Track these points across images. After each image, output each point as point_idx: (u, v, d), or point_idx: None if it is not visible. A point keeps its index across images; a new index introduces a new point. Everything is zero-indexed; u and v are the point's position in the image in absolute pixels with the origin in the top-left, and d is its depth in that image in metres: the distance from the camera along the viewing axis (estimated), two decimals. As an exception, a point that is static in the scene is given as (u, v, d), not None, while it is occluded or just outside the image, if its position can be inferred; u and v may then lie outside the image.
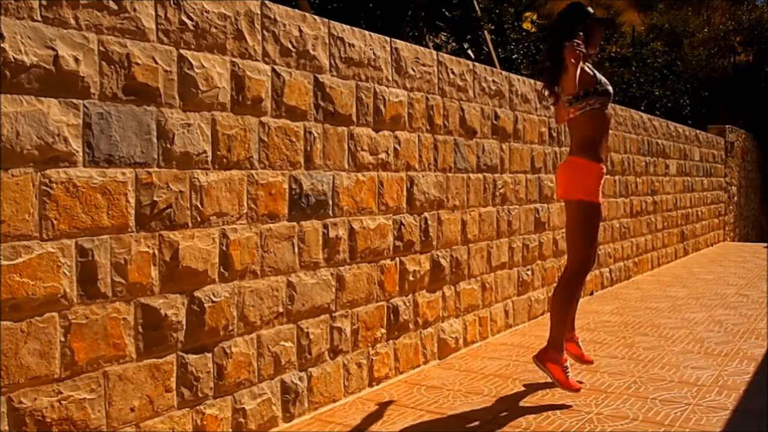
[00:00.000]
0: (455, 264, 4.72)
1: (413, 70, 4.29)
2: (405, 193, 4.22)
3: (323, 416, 3.54)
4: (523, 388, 3.95)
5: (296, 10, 3.50)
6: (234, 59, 3.12)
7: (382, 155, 4.03)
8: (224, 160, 3.08)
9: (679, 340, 5.01)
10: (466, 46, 8.60)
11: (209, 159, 3.02)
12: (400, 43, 4.20)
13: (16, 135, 2.32)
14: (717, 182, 12.44)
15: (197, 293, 2.97)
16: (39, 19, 2.38)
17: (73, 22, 2.48)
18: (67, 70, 2.47)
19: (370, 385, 3.96)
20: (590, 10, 3.85)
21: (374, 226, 3.96)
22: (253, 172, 3.22)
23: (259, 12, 3.25)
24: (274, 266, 3.34)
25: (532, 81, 5.80)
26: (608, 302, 6.57)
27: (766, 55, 19.28)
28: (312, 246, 3.55)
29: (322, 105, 3.61)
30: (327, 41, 3.64)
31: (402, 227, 4.19)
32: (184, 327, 2.91)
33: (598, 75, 3.81)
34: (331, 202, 3.66)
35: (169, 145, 2.84)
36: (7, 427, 2.31)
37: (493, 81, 5.20)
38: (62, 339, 2.47)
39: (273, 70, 3.33)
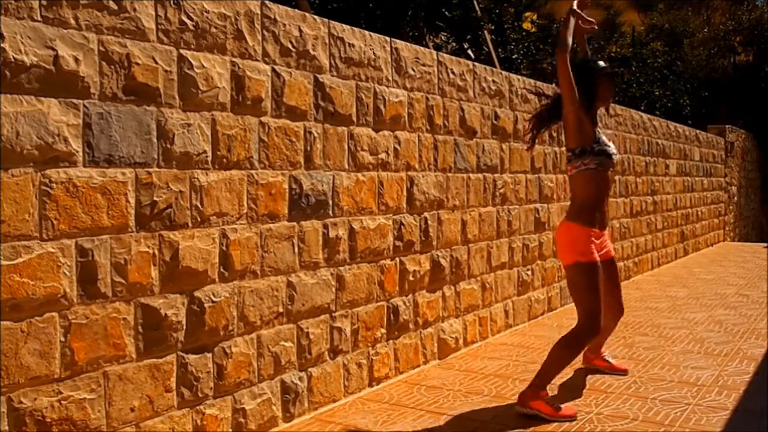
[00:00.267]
0: (455, 264, 4.72)
1: (413, 70, 4.29)
2: (405, 193, 4.22)
3: (323, 416, 3.54)
4: (523, 388, 3.94)
5: (296, 10, 3.50)
6: (234, 59, 3.12)
7: (382, 155, 4.03)
8: (224, 160, 3.08)
9: (679, 340, 5.01)
10: (466, 46, 8.61)
11: (209, 159, 3.02)
12: (400, 43, 4.20)
13: (16, 135, 2.32)
14: (717, 182, 12.44)
15: (197, 293, 2.97)
16: (39, 19, 2.38)
17: (73, 22, 2.48)
18: (67, 70, 2.47)
19: (370, 385, 3.96)
20: (601, 64, 3.73)
21: (374, 226, 3.96)
22: (253, 172, 3.22)
23: (259, 12, 3.25)
24: (274, 266, 3.34)
25: (532, 81, 5.80)
26: (608, 302, 6.57)
27: (766, 55, 19.28)
28: (312, 246, 3.55)
29: (322, 105, 3.61)
30: (327, 41, 3.64)
31: (402, 227, 4.19)
32: (184, 327, 2.91)
33: (602, 136, 3.70)
34: (331, 202, 3.66)
35: (169, 145, 2.84)
36: (7, 427, 2.31)
37: (493, 81, 5.20)
38: (62, 339, 2.47)
39: (273, 70, 3.33)
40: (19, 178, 2.34)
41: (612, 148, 3.73)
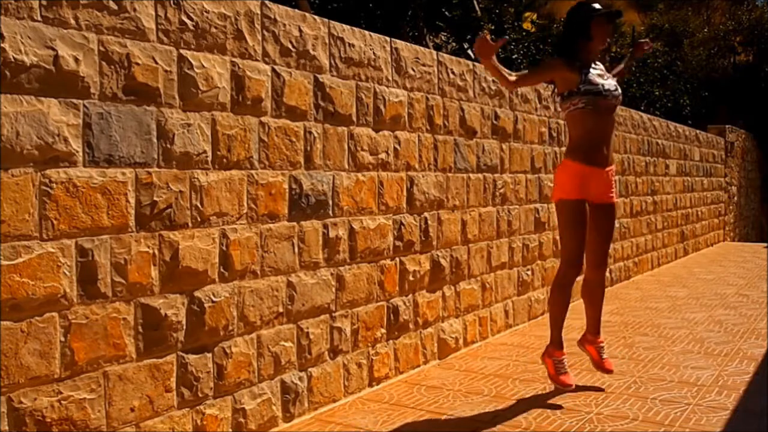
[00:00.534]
0: (455, 264, 4.72)
1: (413, 70, 4.29)
2: (405, 193, 4.22)
3: (323, 416, 3.54)
4: (523, 388, 3.95)
5: (296, 10, 3.50)
6: (234, 59, 3.12)
7: (382, 155, 4.03)
8: (224, 160, 3.08)
9: (679, 340, 5.01)
10: (466, 46, 8.60)
11: (209, 159, 3.02)
12: (400, 43, 4.20)
13: (16, 135, 2.32)
14: (717, 182, 12.44)
15: (197, 293, 2.97)
16: (39, 19, 2.38)
17: (73, 22, 2.48)
18: (67, 70, 2.47)
19: (370, 385, 3.96)
20: (596, 6, 3.78)
21: (374, 226, 3.96)
22: (253, 172, 3.22)
23: (259, 12, 3.25)
24: (274, 266, 3.34)
25: (532, 81, 5.79)
26: (608, 302, 6.57)
27: (766, 55, 19.28)
28: (312, 246, 3.55)
29: (322, 105, 3.61)
30: (327, 41, 3.64)
31: (402, 227, 4.19)
32: (184, 327, 2.91)
33: (590, 74, 3.72)
34: (331, 202, 3.66)
35: (169, 145, 2.84)
36: (7, 427, 2.31)
37: (493, 81, 5.20)
38: (62, 339, 2.47)
39: (273, 70, 3.33)
40: (19, 178, 2.34)
41: (606, 84, 3.72)
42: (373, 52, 3.96)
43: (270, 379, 3.33)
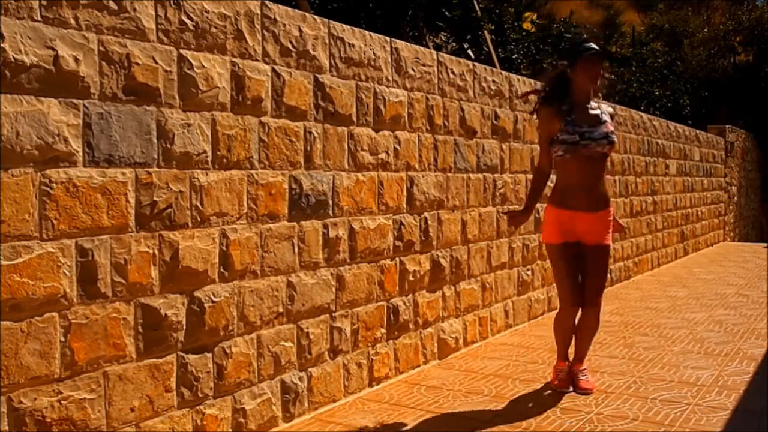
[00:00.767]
0: (455, 264, 4.72)
1: (413, 70, 4.29)
2: (405, 193, 4.22)
3: (323, 416, 3.54)
4: (523, 388, 3.95)
5: (296, 10, 3.50)
6: (234, 59, 3.12)
7: (382, 155, 4.03)
8: (224, 160, 3.08)
9: (679, 340, 5.01)
10: (466, 46, 8.59)
11: (209, 159, 3.02)
12: (400, 43, 4.20)
13: (16, 135, 2.32)
14: (717, 182, 12.44)
15: (197, 293, 2.97)
16: (39, 19, 2.38)
17: (73, 22, 2.48)
18: (67, 70, 2.47)
19: (370, 385, 3.96)
20: (586, 45, 3.72)
21: (374, 226, 3.96)
22: (253, 172, 3.22)
23: (259, 12, 3.25)
24: (274, 266, 3.34)
25: (532, 81, 5.80)
26: (608, 302, 6.57)
27: (766, 55, 19.27)
28: (312, 246, 3.55)
29: (322, 105, 3.61)
30: (327, 41, 3.64)
31: (402, 227, 4.19)
32: (184, 327, 2.91)
33: (573, 121, 3.67)
34: (331, 202, 3.66)
35: (169, 145, 2.84)
36: (7, 427, 2.31)
37: (493, 81, 5.20)
38: (62, 339, 2.47)
39: (273, 70, 3.33)
40: (19, 178, 2.34)
41: (589, 132, 3.65)
42: (373, 52, 3.96)
43: (270, 379, 3.33)
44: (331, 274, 3.68)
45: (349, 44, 3.79)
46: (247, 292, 3.20)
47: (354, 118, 3.82)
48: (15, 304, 2.33)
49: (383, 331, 4.06)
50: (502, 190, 5.29)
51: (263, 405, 3.28)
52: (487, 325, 5.12)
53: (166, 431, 2.83)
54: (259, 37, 3.25)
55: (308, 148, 3.53)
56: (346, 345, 3.79)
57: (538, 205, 4.34)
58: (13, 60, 2.30)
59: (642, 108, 13.65)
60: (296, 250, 3.46)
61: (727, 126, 13.43)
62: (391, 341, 4.13)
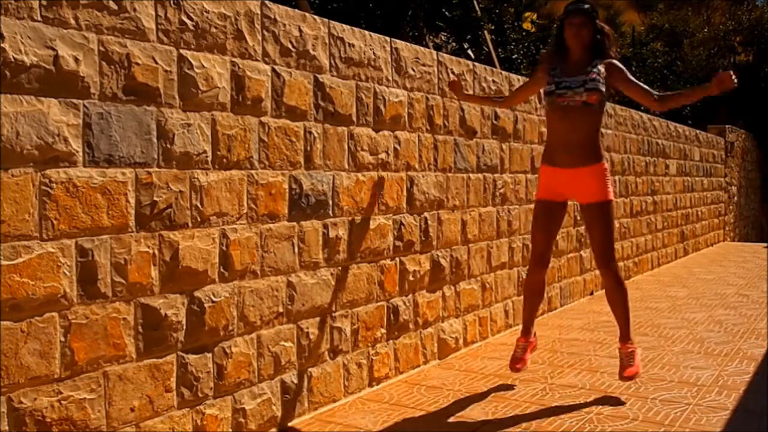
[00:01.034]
0: (455, 264, 4.72)
1: (413, 70, 4.29)
2: (405, 193, 4.22)
3: (323, 416, 3.54)
4: (523, 388, 3.95)
5: (296, 10, 3.50)
6: (234, 59, 3.12)
7: (382, 155, 4.03)
8: (224, 160, 3.08)
9: (679, 340, 5.01)
10: (466, 46, 8.60)
11: (209, 159, 3.02)
12: (400, 43, 4.20)
13: (16, 135, 2.32)
14: (717, 182, 12.44)
15: (197, 293, 2.97)
16: (39, 19, 2.38)
17: (73, 22, 2.48)
18: (67, 70, 2.47)
19: (370, 385, 3.96)
20: (568, 6, 3.73)
21: (374, 226, 3.96)
22: (253, 172, 3.22)
23: (259, 12, 3.25)
24: (274, 266, 3.34)
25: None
26: (608, 302, 6.57)
27: (766, 55, 19.28)
28: (312, 246, 3.55)
29: (322, 105, 3.61)
30: (327, 41, 3.64)
31: (402, 227, 4.19)
32: (184, 327, 2.91)
33: (557, 73, 3.71)
34: (331, 202, 3.66)
35: (169, 145, 2.84)
36: (7, 427, 2.31)
37: (493, 81, 5.20)
38: (62, 339, 2.47)
39: (273, 70, 3.33)
40: (19, 178, 2.34)
41: (566, 82, 3.63)
42: (373, 52, 3.96)
43: (270, 379, 3.33)
44: (331, 274, 3.68)
45: (349, 44, 3.79)
46: (247, 292, 3.20)
47: (354, 118, 3.82)
48: (15, 304, 2.33)
49: (383, 331, 4.06)
50: (502, 190, 5.29)
51: (263, 405, 3.29)
52: (487, 325, 5.12)
53: (166, 431, 2.83)
54: (259, 37, 3.25)
55: (308, 148, 3.53)
56: (346, 345, 3.79)
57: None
58: (13, 60, 2.30)
59: (642, 108, 13.65)
60: (296, 250, 3.46)
61: (727, 126, 13.43)
62: (391, 341, 4.13)
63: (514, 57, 9.32)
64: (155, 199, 2.78)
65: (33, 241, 2.38)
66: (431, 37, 8.46)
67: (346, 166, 3.77)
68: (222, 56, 3.06)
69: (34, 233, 2.38)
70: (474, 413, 3.56)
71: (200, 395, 2.98)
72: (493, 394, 3.85)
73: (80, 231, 2.52)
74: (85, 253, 2.53)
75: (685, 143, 10.49)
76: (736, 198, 13.96)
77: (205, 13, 2.98)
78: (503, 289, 5.33)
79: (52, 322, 2.44)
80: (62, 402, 2.47)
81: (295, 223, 3.45)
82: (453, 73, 4.69)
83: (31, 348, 2.37)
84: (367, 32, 3.95)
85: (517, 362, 3.92)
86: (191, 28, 2.92)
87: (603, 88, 3.66)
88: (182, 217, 2.89)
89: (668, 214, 9.62)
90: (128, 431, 2.69)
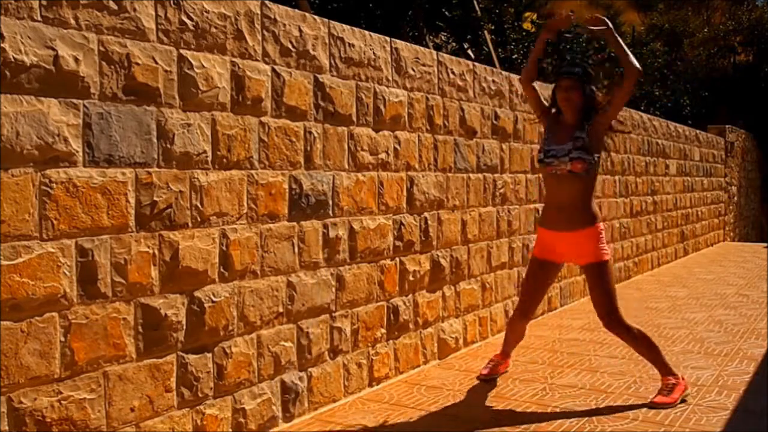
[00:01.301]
0: (455, 264, 4.72)
1: (413, 70, 4.29)
2: (405, 193, 4.22)
3: (323, 416, 3.54)
4: (523, 388, 3.95)
5: (296, 10, 3.50)
6: (234, 59, 3.12)
7: (382, 155, 4.03)
8: (224, 160, 3.08)
9: (679, 340, 5.01)
10: (466, 46, 8.60)
11: (209, 159, 3.02)
12: (400, 43, 4.20)
13: (16, 135, 2.32)
14: (717, 182, 12.44)
15: (197, 293, 2.97)
16: (39, 19, 2.38)
17: (73, 22, 2.48)
18: (67, 70, 2.47)
19: (370, 385, 3.96)
20: (561, 69, 3.82)
21: (374, 226, 3.96)
22: (253, 172, 3.22)
23: (259, 12, 3.25)
24: (274, 266, 3.34)
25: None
26: (608, 302, 6.56)
27: (766, 55, 19.27)
28: (312, 246, 3.55)
29: (322, 105, 3.61)
30: (327, 41, 3.64)
31: (402, 227, 4.19)
32: (184, 327, 2.91)
33: (548, 141, 3.73)
34: (331, 202, 3.66)
35: (169, 145, 2.84)
36: (7, 427, 2.31)
37: (493, 81, 5.20)
38: (62, 339, 2.47)
39: (273, 70, 3.33)
40: (19, 178, 2.34)
41: (553, 151, 3.64)
42: (373, 52, 3.96)
43: (270, 379, 3.33)
44: (331, 274, 3.68)
45: (349, 44, 3.79)
46: (247, 292, 3.20)
47: (354, 118, 3.82)
48: (15, 304, 2.33)
49: (383, 331, 4.06)
50: (502, 190, 5.29)
51: (263, 405, 3.29)
52: (487, 325, 5.12)
53: (166, 431, 2.83)
54: (259, 37, 3.25)
55: (308, 148, 3.53)
56: (346, 345, 3.79)
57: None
58: (13, 60, 2.30)
59: (642, 108, 13.65)
60: (296, 250, 3.46)
61: (727, 126, 13.43)
62: (391, 341, 4.13)
63: (514, 57, 9.32)
64: (155, 199, 2.78)
65: (33, 241, 2.38)
66: (431, 37, 8.47)
67: (346, 166, 3.77)
68: (222, 56, 3.06)
69: (34, 233, 2.38)
70: (474, 413, 3.56)
71: (200, 395, 2.98)
72: (493, 394, 3.85)
73: (80, 231, 2.52)
74: (85, 253, 2.53)
75: (685, 143, 10.49)
76: (736, 198, 13.96)
77: (205, 13, 2.98)
78: (503, 289, 5.33)
79: (52, 322, 2.44)
80: (62, 402, 2.47)
81: (295, 223, 3.45)
82: (453, 73, 4.69)
83: (31, 348, 2.37)
84: (367, 32, 3.95)
85: (484, 368, 4.16)
86: (191, 28, 2.92)
87: (588, 156, 3.61)
88: (182, 217, 2.89)
89: (668, 214, 9.62)
90: (128, 431, 2.69)
